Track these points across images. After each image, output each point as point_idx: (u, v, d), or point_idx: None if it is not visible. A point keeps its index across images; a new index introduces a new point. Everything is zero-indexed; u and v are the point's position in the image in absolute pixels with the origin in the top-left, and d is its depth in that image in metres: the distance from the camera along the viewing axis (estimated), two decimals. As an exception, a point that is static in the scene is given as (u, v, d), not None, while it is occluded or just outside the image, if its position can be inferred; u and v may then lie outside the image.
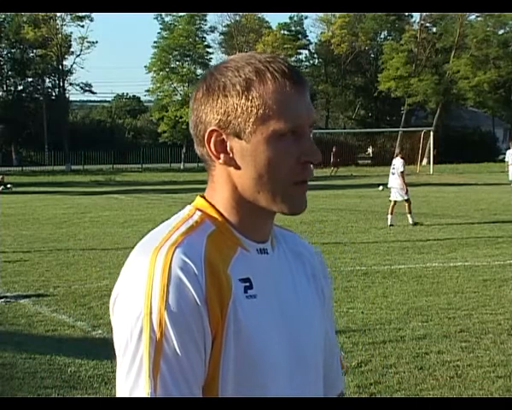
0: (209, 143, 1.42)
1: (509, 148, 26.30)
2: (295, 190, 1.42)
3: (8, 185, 33.97)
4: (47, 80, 65.36)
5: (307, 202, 1.45)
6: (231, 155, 1.42)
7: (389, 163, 19.13)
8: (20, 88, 64.96)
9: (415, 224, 16.62)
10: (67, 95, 65.89)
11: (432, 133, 47.39)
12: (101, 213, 20.81)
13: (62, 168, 55.80)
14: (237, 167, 1.42)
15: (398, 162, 17.50)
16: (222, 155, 1.42)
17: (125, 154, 58.19)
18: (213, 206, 1.45)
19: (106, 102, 77.10)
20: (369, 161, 57.88)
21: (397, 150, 18.72)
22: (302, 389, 1.47)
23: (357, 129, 65.64)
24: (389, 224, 16.52)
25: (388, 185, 17.74)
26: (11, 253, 12.99)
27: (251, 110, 1.39)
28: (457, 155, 54.74)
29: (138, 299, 1.33)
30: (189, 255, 1.35)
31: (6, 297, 9.22)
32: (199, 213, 1.45)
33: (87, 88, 65.73)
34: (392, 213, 16.64)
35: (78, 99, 75.86)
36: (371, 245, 13.59)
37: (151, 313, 1.32)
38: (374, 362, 6.43)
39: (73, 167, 56.04)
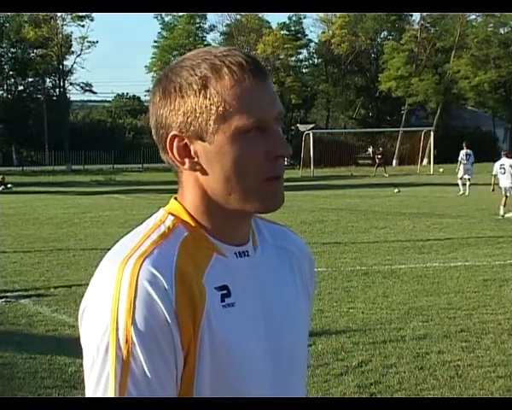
0: (172, 149, 1.35)
1: (463, 148, 28.74)
2: (268, 187, 1.34)
3: (9, 185, 33.99)
4: (47, 80, 65.44)
5: (284, 196, 1.38)
6: (196, 159, 1.34)
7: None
8: (20, 88, 65.02)
9: (503, 216, 17.97)
10: (68, 95, 65.97)
11: (432, 133, 47.36)
12: (101, 213, 20.81)
13: (63, 168, 55.83)
14: (204, 172, 1.34)
15: (507, 162, 18.79)
16: (187, 161, 1.35)
17: (126, 154, 58.24)
18: (187, 210, 1.38)
19: (106, 101, 77.18)
20: (370, 161, 57.89)
21: (504, 151, 19.67)
22: (286, 392, 1.42)
23: (357, 129, 65.65)
24: (501, 213, 18.07)
25: (500, 185, 19.12)
26: (12, 253, 12.99)
27: (210, 109, 1.31)
28: (458, 154, 54.65)
29: (105, 314, 1.27)
30: (158, 267, 1.29)
31: (6, 297, 9.21)
32: (171, 217, 1.38)
33: (87, 88, 65.82)
34: (504, 206, 18.18)
35: (78, 99, 76.10)
36: (371, 245, 13.58)
37: (117, 330, 1.26)
38: (374, 362, 6.43)
39: (74, 167, 56.05)
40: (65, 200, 26.91)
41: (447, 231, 15.49)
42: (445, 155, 51.53)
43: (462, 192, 26.57)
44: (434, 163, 46.15)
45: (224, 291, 1.34)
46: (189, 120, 1.32)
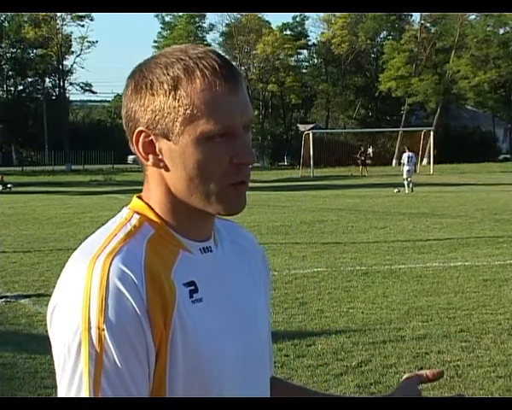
0: (137, 143, 1.35)
1: (405, 151, 30.77)
2: (231, 191, 1.34)
3: (9, 185, 34.03)
4: (47, 80, 65.56)
5: (246, 201, 1.38)
6: (160, 156, 1.34)
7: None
8: (20, 88, 65.11)
9: None
10: (68, 95, 66.13)
11: (432, 133, 47.38)
12: (101, 213, 20.81)
13: (62, 168, 55.90)
14: (167, 169, 1.35)
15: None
16: (150, 157, 1.35)
17: (126, 154, 58.22)
18: (151, 208, 1.38)
19: (106, 101, 77.27)
20: (370, 161, 57.94)
21: None
22: (254, 389, 1.43)
23: (357, 129, 65.66)
24: None
25: None
26: (11, 253, 12.99)
27: (178, 110, 1.31)
28: (457, 154, 54.77)
29: (75, 313, 1.26)
30: (127, 264, 1.28)
31: (6, 297, 9.21)
32: (137, 216, 1.38)
33: (87, 88, 65.89)
34: None
35: (78, 99, 76.24)
36: (371, 245, 13.58)
37: (89, 328, 1.25)
38: (374, 362, 6.43)
39: (73, 167, 56.11)
40: (64, 200, 26.93)
41: (447, 231, 15.49)
42: (445, 155, 51.66)
43: (408, 191, 28.20)
44: (434, 163, 46.18)
45: (192, 287, 1.35)
46: (157, 118, 1.33)
